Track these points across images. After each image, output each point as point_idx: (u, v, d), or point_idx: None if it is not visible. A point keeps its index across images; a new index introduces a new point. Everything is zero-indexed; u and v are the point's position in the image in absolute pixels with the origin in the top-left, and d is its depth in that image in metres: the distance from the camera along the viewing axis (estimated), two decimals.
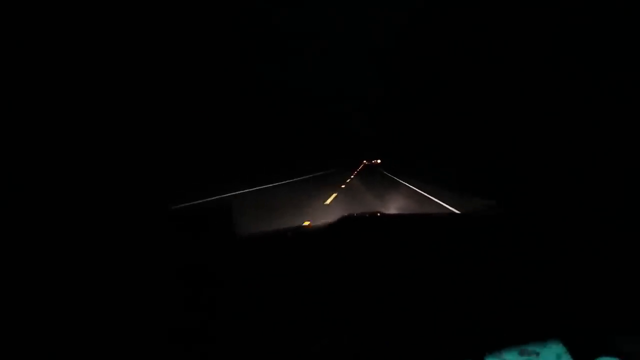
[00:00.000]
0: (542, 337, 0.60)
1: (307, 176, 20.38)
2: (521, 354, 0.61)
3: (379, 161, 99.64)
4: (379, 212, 1.11)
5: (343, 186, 12.95)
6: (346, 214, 1.05)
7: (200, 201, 8.26)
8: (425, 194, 9.72)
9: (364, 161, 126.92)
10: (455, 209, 6.91)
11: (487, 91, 12.67)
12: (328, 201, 8.24)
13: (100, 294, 0.53)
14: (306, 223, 6.36)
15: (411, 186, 12.55)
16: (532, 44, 9.37)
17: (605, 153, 6.24)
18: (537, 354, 0.61)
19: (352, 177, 19.15)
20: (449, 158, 16.08)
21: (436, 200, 8.62)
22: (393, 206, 7.33)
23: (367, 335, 0.63)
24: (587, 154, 6.71)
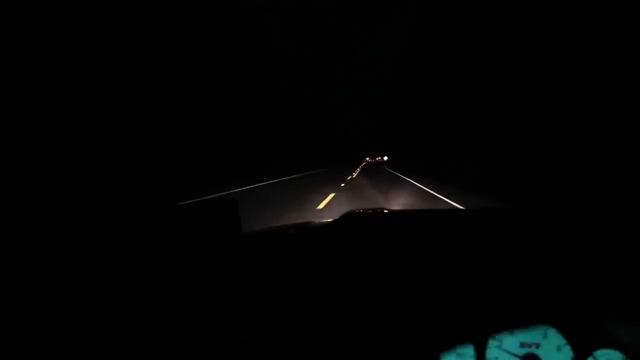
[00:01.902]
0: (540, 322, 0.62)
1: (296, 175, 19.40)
2: (522, 345, 0.62)
3: (385, 158, 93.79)
4: (382, 208, 1.12)
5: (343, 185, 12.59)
6: (349, 210, 1.06)
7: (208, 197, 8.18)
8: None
9: (367, 158, 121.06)
10: None
11: (495, 86, 12.57)
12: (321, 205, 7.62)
13: (98, 291, 0.54)
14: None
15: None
16: (538, 38, 9.29)
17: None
18: (538, 345, 0.62)
19: (351, 176, 17.92)
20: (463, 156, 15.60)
21: None
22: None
23: (370, 328, 0.65)
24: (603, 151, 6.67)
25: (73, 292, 0.51)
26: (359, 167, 33.78)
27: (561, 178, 7.62)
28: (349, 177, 18.12)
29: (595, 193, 6.29)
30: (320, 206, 7.53)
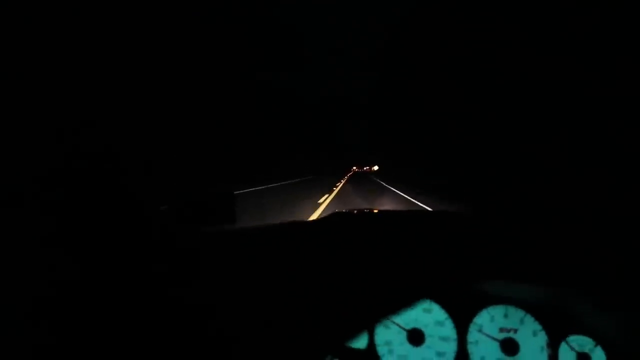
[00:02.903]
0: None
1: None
2: (501, 330, 0.65)
3: (375, 168, 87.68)
4: (367, 209, 1.16)
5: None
6: (337, 210, 1.09)
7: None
8: None
9: (354, 167, 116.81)
10: None
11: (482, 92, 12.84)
12: None
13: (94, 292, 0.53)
14: None
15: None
16: (524, 46, 9.62)
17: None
18: (515, 330, 0.65)
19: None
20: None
21: None
22: None
23: (353, 322, 0.66)
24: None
25: (73, 288, 0.51)
26: (342, 180, 29.48)
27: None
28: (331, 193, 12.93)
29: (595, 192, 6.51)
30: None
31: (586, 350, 0.62)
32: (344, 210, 1.08)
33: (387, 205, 8.98)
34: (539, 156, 8.86)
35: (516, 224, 0.84)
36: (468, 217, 0.92)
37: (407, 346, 0.67)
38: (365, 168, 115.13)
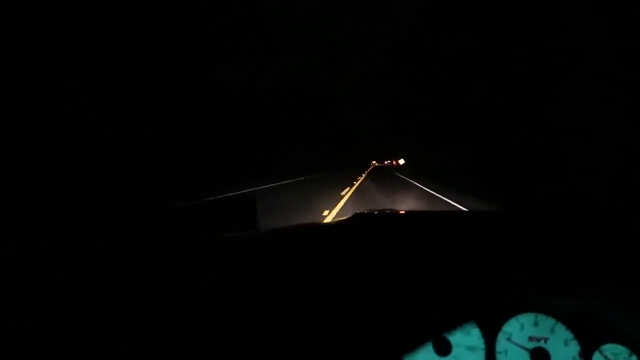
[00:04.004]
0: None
1: None
2: (531, 339, 0.64)
3: (400, 162, 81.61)
4: (389, 210, 1.14)
5: None
6: (358, 212, 1.08)
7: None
8: None
9: (374, 162, 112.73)
10: None
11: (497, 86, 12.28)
12: None
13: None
14: None
15: None
16: (540, 41, 9.14)
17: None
18: (546, 339, 0.63)
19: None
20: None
21: None
22: None
23: (378, 331, 0.66)
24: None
25: (81, 291, 0.53)
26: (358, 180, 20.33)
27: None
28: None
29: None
30: None
31: (621, 359, 0.59)
32: (365, 211, 1.07)
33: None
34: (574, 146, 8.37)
35: (549, 227, 0.81)
36: (500, 219, 0.89)
37: (433, 356, 0.66)
38: (386, 162, 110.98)
